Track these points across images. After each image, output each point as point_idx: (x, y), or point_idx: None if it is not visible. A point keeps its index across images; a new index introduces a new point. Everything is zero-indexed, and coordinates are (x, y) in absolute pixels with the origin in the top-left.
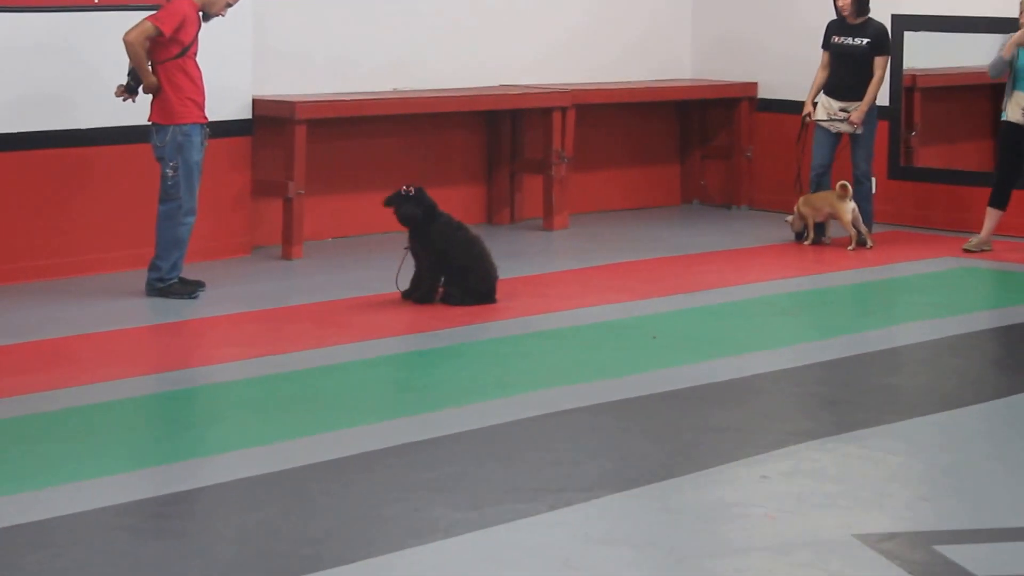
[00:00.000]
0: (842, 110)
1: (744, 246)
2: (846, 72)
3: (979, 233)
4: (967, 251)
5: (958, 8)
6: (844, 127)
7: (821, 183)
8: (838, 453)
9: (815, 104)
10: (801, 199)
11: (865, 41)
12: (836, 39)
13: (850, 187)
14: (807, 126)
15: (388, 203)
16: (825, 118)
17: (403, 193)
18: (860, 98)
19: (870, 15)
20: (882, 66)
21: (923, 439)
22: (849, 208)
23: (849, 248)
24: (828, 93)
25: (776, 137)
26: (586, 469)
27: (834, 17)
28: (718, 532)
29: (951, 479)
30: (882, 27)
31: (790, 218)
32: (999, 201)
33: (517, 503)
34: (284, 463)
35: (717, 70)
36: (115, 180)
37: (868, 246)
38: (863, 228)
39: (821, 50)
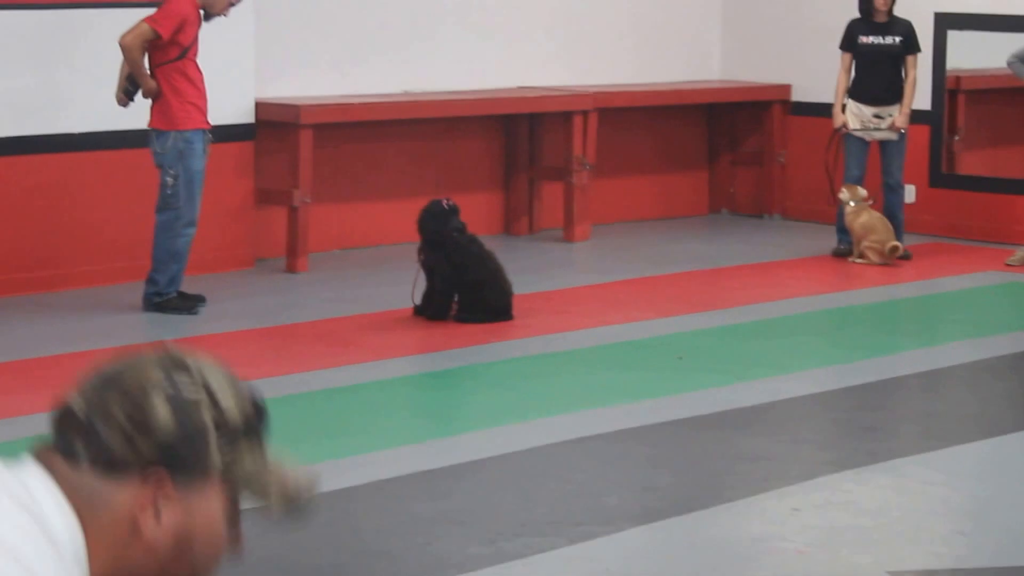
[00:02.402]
0: (876, 116)
1: (776, 259)
2: (879, 75)
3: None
4: (1010, 265)
5: (1004, 6)
6: (884, 134)
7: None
8: (873, 484)
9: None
10: (860, 222)
11: (898, 39)
12: (865, 39)
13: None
14: (837, 135)
15: (429, 220)
16: (859, 127)
17: (446, 207)
18: (894, 102)
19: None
20: (916, 65)
21: (964, 469)
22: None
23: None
24: (859, 99)
25: (811, 142)
26: (607, 501)
27: (856, 16)
28: (746, 568)
29: (993, 512)
30: (910, 24)
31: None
32: None
33: (534, 536)
34: None
35: (748, 71)
36: (111, 187)
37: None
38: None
39: (841, 52)
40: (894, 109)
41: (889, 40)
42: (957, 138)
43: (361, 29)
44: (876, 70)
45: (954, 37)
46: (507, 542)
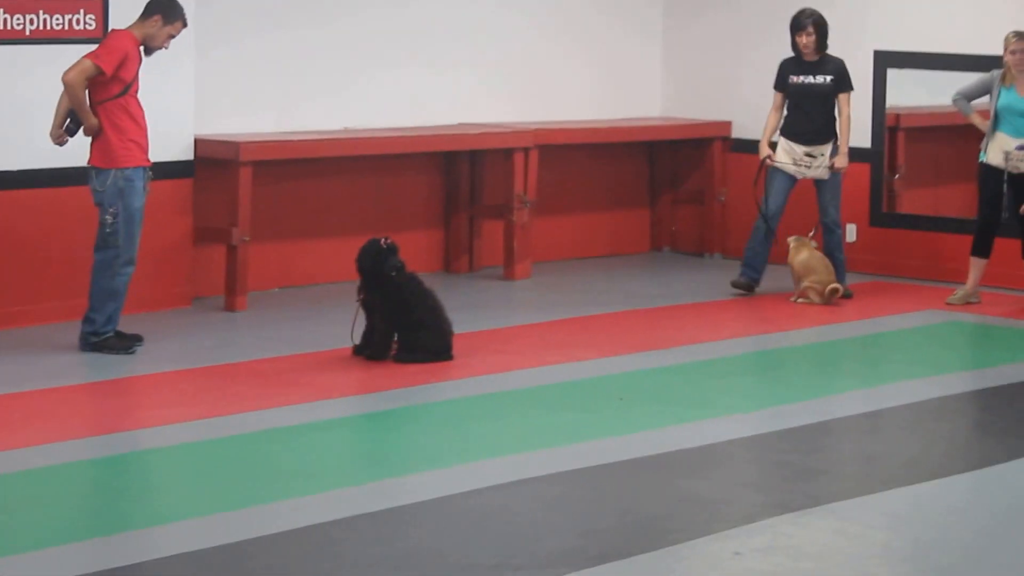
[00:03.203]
0: (808, 155)
1: (717, 298)
2: (810, 113)
3: (964, 285)
4: (951, 304)
5: (943, 45)
6: (818, 173)
7: (772, 229)
8: (814, 528)
9: (772, 145)
10: (800, 260)
11: (828, 78)
12: (795, 79)
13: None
14: (764, 169)
15: (367, 259)
16: (789, 162)
17: (384, 245)
18: (825, 140)
19: (826, 51)
20: (848, 103)
21: (906, 512)
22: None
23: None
24: (791, 137)
25: (751, 180)
26: (548, 544)
27: (789, 55)
28: None
29: (934, 556)
30: (841, 62)
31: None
32: (981, 249)
33: None
34: (226, 536)
35: (689, 108)
36: (47, 225)
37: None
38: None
39: (774, 91)
40: (826, 148)
41: (819, 79)
42: (897, 176)
43: (301, 66)
44: (806, 109)
45: (893, 75)
46: None
